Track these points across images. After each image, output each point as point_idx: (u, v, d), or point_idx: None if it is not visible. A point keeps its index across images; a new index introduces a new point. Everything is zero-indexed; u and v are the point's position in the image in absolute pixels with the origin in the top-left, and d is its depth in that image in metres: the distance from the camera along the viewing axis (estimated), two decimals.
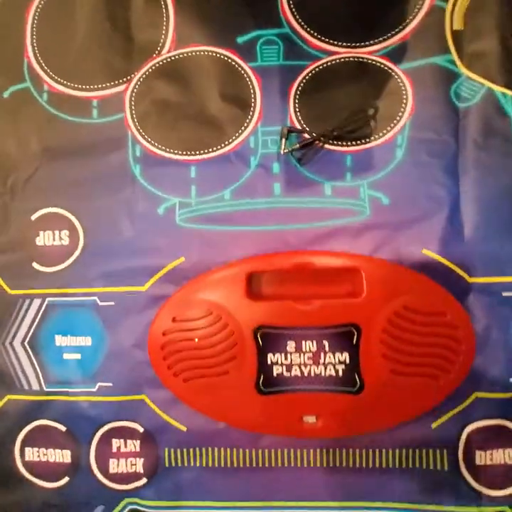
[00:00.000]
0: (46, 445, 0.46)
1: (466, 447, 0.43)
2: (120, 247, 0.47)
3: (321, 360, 0.40)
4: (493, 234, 0.44)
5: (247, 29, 0.47)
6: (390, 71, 0.45)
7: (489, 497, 0.42)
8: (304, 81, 0.47)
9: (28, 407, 0.47)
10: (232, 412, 0.41)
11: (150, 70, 0.48)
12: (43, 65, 0.49)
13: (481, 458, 0.43)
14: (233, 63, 0.47)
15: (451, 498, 0.43)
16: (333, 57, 0.46)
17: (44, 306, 0.47)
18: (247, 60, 0.47)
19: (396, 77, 0.45)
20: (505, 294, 0.43)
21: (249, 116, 0.47)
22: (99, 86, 0.48)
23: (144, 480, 0.44)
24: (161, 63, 0.48)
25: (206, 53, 0.48)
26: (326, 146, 0.46)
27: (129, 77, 0.48)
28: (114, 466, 0.45)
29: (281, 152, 0.45)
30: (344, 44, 0.46)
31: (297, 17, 0.47)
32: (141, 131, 0.48)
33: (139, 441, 0.45)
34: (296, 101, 0.47)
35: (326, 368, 0.40)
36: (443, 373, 0.38)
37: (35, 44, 0.50)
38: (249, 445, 0.44)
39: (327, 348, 0.40)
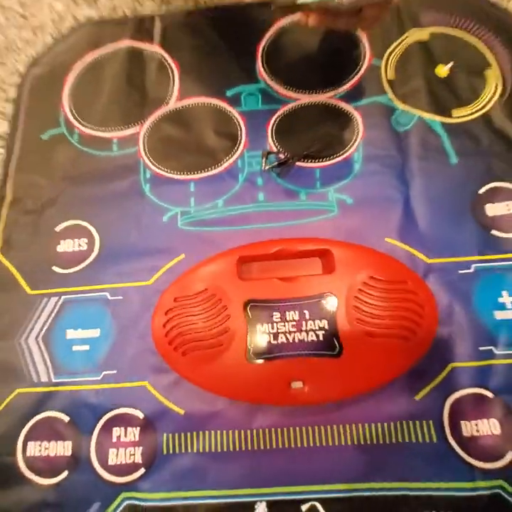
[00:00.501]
0: (49, 438, 0.28)
1: (451, 418, 0.26)
2: (130, 249, 0.32)
3: (303, 327, 0.25)
4: (441, 224, 0.30)
5: (233, 85, 0.36)
6: (344, 108, 0.34)
7: (482, 470, 0.25)
8: (278, 118, 0.35)
9: (36, 399, 0.29)
10: (227, 382, 0.25)
11: (159, 117, 0.36)
12: (76, 115, 0.36)
13: (467, 428, 0.25)
14: (224, 109, 0.35)
15: (444, 474, 0.25)
16: (299, 102, 0.35)
17: (59, 303, 0.29)
18: (234, 106, 0.35)
19: (349, 112, 0.34)
20: (460, 271, 0.29)
21: (237, 145, 0.34)
22: (119, 128, 0.36)
23: (142, 470, 0.25)
24: (168, 111, 0.36)
25: (203, 103, 0.36)
26: (299, 163, 0.31)
27: (142, 121, 0.36)
28: (114, 457, 0.25)
29: (263, 169, 0.32)
30: (306, 92, 0.33)
31: (269, 75, 0.36)
32: (151, 159, 0.35)
33: (138, 429, 0.26)
34: (273, 132, 0.35)
35: (308, 334, 0.25)
36: (411, 334, 0.25)
37: (70, 100, 0.37)
38: (243, 426, 0.26)
39: (308, 317, 0.25)
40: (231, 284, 0.26)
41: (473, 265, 0.29)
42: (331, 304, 0.25)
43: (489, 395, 0.26)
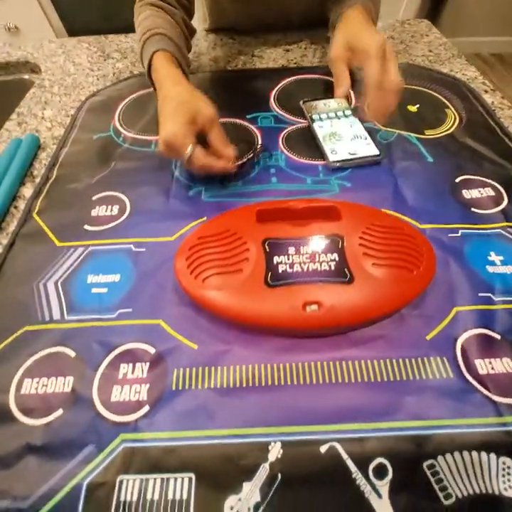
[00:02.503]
0: (49, 374, 0.27)
1: (464, 357, 0.27)
2: (156, 214, 0.37)
3: (317, 259, 0.28)
4: (428, 202, 0.36)
5: (252, 112, 0.47)
6: None
7: (507, 405, 0.25)
8: (287, 132, 0.44)
9: (43, 335, 0.29)
10: (245, 305, 0.26)
11: None
12: (123, 125, 0.45)
13: (482, 367, 0.26)
14: (244, 125, 0.45)
15: (467, 410, 0.24)
16: (300, 124, 0.45)
17: (85, 252, 0.32)
18: (252, 124, 0.45)
19: None
20: (450, 235, 0.34)
21: (255, 146, 0.42)
22: (157, 134, 0.41)
23: (146, 408, 0.24)
24: None
25: (227, 121, 0.45)
26: (305, 161, 0.40)
27: None
28: (117, 394, 0.25)
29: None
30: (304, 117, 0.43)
31: (278, 106, 0.48)
32: None
33: (147, 365, 0.26)
34: (283, 141, 0.43)
35: (321, 265, 0.28)
36: (414, 267, 0.27)
37: (119, 118, 0.47)
38: (257, 361, 0.27)
39: (320, 251, 0.29)
40: (250, 226, 0.30)
41: (461, 231, 0.33)
42: (339, 242, 0.29)
43: (496, 336, 0.27)
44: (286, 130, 0.44)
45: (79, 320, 0.29)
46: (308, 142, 0.43)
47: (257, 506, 0.21)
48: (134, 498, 0.21)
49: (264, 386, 0.25)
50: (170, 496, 0.21)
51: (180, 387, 0.25)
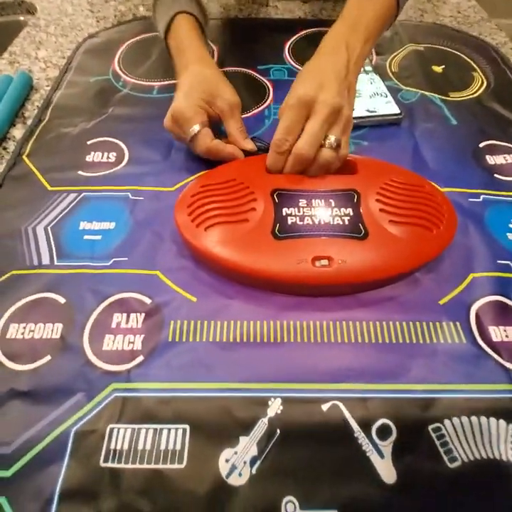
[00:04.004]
0: (36, 320, 0.25)
1: (478, 323, 0.25)
2: (157, 164, 0.34)
3: (329, 213, 0.26)
4: (449, 166, 0.34)
5: (264, 63, 0.44)
6: None
7: None
8: None
9: (31, 280, 0.27)
10: (251, 256, 0.24)
11: None
12: (123, 69, 0.42)
13: (496, 334, 0.25)
14: (254, 76, 0.42)
15: (479, 375, 0.23)
16: None
17: (78, 198, 0.30)
18: (264, 76, 0.42)
19: None
20: (470, 199, 0.32)
21: (265, 99, 0.40)
22: (160, 80, 0.40)
23: (141, 358, 0.23)
24: None
25: (237, 70, 0.43)
26: None
27: None
28: (109, 343, 0.23)
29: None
30: None
31: (293, 59, 0.44)
32: None
33: (143, 315, 0.24)
34: None
35: (333, 219, 0.26)
36: (433, 226, 0.26)
37: (119, 62, 0.44)
38: (259, 317, 0.25)
39: (333, 204, 0.27)
40: (259, 176, 0.28)
41: (482, 196, 0.32)
42: (355, 197, 0.27)
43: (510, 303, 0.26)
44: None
45: (69, 266, 0.27)
46: None
47: (253, 460, 0.20)
48: (125, 447, 0.20)
49: (266, 342, 0.24)
50: (162, 446, 0.20)
51: (176, 339, 0.24)
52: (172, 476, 0.20)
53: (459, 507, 0.19)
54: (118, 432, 0.21)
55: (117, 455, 0.20)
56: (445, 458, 0.20)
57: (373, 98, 0.38)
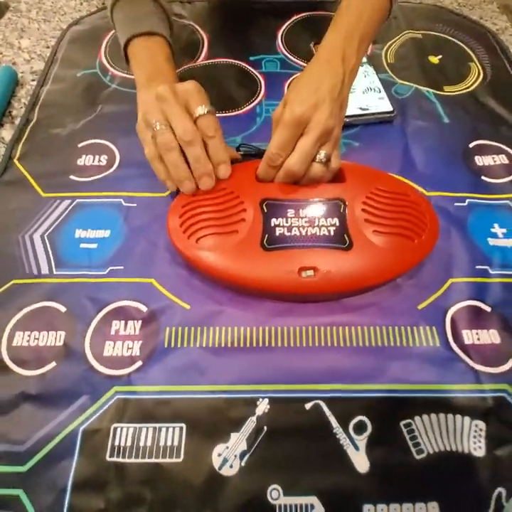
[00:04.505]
0: (40, 328, 0.27)
1: (453, 327, 0.27)
2: (148, 166, 0.32)
3: (316, 223, 0.27)
4: (437, 167, 0.35)
5: (256, 54, 0.42)
6: None
7: (486, 374, 0.26)
8: (290, 79, 0.40)
9: (31, 289, 0.28)
10: (240, 267, 0.25)
11: (189, 67, 0.41)
12: (111, 61, 0.40)
13: (468, 337, 0.27)
14: (246, 68, 0.41)
15: (449, 376, 0.25)
16: None
17: (72, 205, 0.30)
18: (255, 68, 0.41)
19: None
20: (456, 204, 0.32)
21: (257, 95, 0.39)
22: None
23: (139, 363, 0.25)
24: (196, 65, 0.42)
25: (228, 62, 0.42)
26: None
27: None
28: (110, 349, 0.25)
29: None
30: None
31: (286, 48, 0.43)
32: None
33: (139, 323, 0.26)
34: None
35: (320, 229, 0.27)
36: (416, 235, 0.27)
37: (106, 52, 0.42)
38: (248, 323, 0.27)
39: (320, 214, 0.27)
40: (249, 185, 0.28)
41: (467, 200, 0.32)
42: (341, 206, 0.28)
43: (487, 308, 0.27)
44: (294, 77, 0.40)
45: (68, 275, 0.28)
46: None
47: (243, 454, 0.23)
48: (128, 444, 0.23)
49: (255, 347, 0.26)
50: (162, 443, 0.23)
51: (172, 345, 0.26)
52: (171, 469, 0.22)
53: (424, 493, 0.22)
54: (121, 430, 0.23)
55: (121, 451, 0.23)
56: (413, 450, 0.23)
57: (366, 94, 0.38)
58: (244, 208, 0.27)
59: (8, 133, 0.37)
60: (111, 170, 0.34)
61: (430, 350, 0.26)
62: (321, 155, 0.27)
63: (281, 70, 0.41)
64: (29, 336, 0.26)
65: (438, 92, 0.39)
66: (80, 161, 0.34)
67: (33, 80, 0.40)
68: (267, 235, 0.26)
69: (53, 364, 0.25)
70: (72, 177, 0.33)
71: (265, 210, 0.27)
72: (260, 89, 0.39)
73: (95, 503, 0.21)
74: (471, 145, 0.36)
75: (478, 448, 0.23)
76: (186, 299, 0.27)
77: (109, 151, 0.35)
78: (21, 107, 0.38)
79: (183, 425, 0.23)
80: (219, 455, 0.23)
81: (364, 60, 0.41)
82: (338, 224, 0.27)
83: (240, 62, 0.41)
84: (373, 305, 0.27)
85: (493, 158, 0.35)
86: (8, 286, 0.28)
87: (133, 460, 0.22)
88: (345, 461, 0.23)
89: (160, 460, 0.22)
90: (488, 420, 0.24)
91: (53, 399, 0.24)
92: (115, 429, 0.23)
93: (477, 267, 0.29)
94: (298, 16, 0.46)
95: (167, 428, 0.23)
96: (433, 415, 0.24)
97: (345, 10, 0.30)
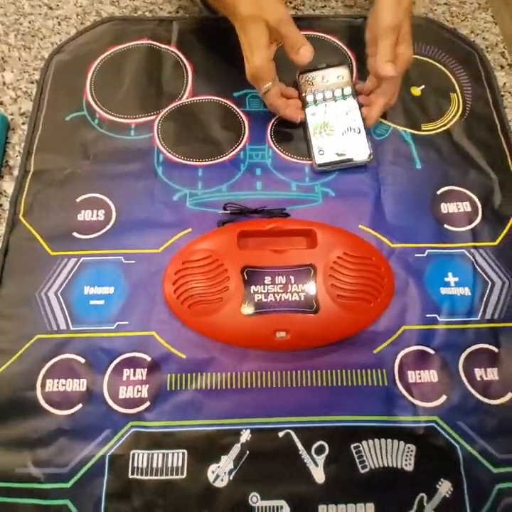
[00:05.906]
0: (66, 376, 0.33)
1: (400, 368, 0.34)
2: (143, 222, 0.38)
3: (289, 290, 0.32)
4: (405, 216, 0.38)
5: (240, 89, 0.43)
6: None
7: (422, 408, 0.32)
8: (277, 119, 0.42)
9: (54, 343, 0.34)
10: (224, 330, 0.31)
11: (173, 108, 0.43)
12: (97, 101, 0.41)
13: (412, 377, 0.33)
14: (230, 108, 0.42)
15: (392, 410, 0.32)
16: None
17: (78, 263, 0.35)
18: (239, 107, 0.43)
19: None
20: (416, 255, 0.37)
21: (241, 139, 0.41)
22: (137, 116, 0.42)
23: (148, 403, 0.31)
24: (181, 104, 0.43)
25: (212, 100, 0.43)
26: (293, 159, 0.40)
27: (157, 112, 0.43)
28: (123, 392, 0.31)
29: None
30: None
31: None
32: (164, 145, 0.41)
33: (145, 370, 0.32)
34: (272, 130, 0.41)
35: (292, 295, 0.32)
36: (373, 298, 0.32)
37: (92, 88, 0.43)
38: (234, 369, 0.33)
39: (293, 281, 0.32)
40: (231, 252, 0.33)
41: (427, 251, 0.37)
42: (312, 272, 0.32)
43: (431, 351, 0.33)
44: (276, 117, 0.42)
45: (83, 330, 0.34)
46: (298, 132, 0.41)
47: (230, 471, 0.30)
48: (144, 465, 0.30)
49: (240, 388, 0.32)
50: (169, 464, 0.31)
51: (173, 388, 0.32)
52: (177, 483, 0.30)
53: (364, 497, 0.30)
54: (138, 455, 0.31)
55: (139, 470, 0.30)
56: (359, 466, 0.31)
57: (346, 135, 0.40)
58: (228, 275, 0.32)
59: (8, 185, 0.39)
60: (108, 226, 0.37)
61: (379, 389, 0.32)
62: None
63: (264, 109, 0.42)
64: (57, 382, 0.33)
65: (415, 132, 0.41)
66: (80, 216, 0.38)
67: (24, 124, 0.42)
68: (247, 301, 0.31)
69: (80, 405, 0.32)
70: (75, 234, 0.37)
71: (246, 278, 0.32)
72: (244, 132, 0.41)
73: (123, 508, 0.29)
74: (439, 192, 0.39)
75: (408, 464, 0.31)
76: (182, 349, 0.33)
77: (105, 205, 0.38)
78: (17, 156, 0.40)
79: (185, 451, 0.31)
80: (213, 472, 0.30)
81: (349, 90, 0.41)
82: (307, 290, 0.32)
83: (224, 100, 0.42)
84: (336, 351, 0.33)
85: (458, 205, 0.38)
86: (34, 341, 0.34)
87: (148, 477, 0.30)
88: (307, 474, 0.30)
89: (168, 477, 0.30)
90: (418, 444, 0.31)
91: (83, 432, 0.31)
92: (133, 454, 0.31)
93: (427, 315, 0.34)
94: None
95: (173, 453, 0.31)
96: (376, 440, 0.31)
97: None
